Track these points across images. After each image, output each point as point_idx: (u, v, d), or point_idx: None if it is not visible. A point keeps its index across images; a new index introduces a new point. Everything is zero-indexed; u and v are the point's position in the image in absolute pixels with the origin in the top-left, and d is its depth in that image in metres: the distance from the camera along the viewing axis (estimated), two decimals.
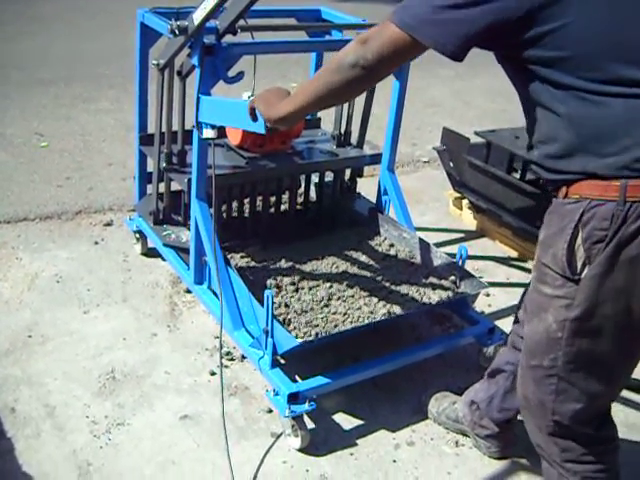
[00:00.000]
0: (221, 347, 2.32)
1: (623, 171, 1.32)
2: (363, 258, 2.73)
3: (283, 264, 2.62)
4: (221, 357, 2.31)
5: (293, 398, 2.05)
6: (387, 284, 2.54)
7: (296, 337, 2.13)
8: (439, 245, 3.09)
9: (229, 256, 2.55)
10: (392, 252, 2.78)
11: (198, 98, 2.17)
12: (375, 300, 2.42)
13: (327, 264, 2.66)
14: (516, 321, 1.93)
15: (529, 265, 3.19)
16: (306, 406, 2.06)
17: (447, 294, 2.49)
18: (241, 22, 2.19)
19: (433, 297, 2.47)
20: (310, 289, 2.47)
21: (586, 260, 1.36)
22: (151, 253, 3.00)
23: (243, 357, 2.42)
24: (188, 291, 2.76)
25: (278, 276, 2.52)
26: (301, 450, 2.08)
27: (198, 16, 2.10)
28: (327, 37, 2.79)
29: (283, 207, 2.91)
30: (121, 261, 2.98)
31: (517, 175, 3.24)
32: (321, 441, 2.13)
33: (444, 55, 1.35)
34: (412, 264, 2.70)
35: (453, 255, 2.59)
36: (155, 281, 2.86)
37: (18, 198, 3.45)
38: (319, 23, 2.88)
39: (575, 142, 1.36)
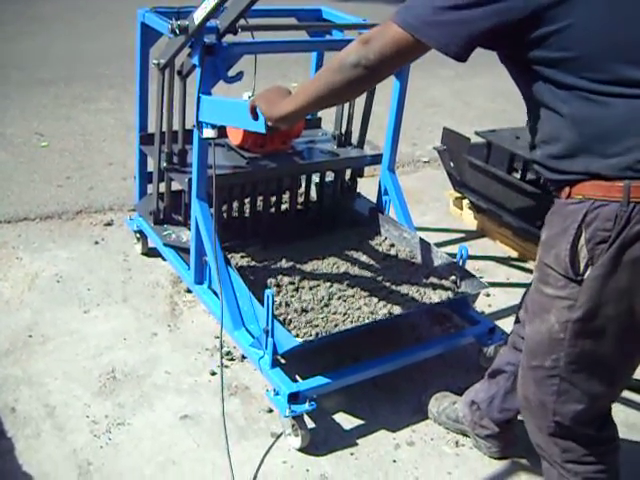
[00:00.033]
0: (221, 347, 2.32)
1: (626, 172, 1.31)
2: (363, 258, 2.73)
3: (283, 264, 2.62)
4: (221, 357, 2.31)
5: (293, 398, 2.05)
6: (387, 284, 2.54)
7: (296, 337, 2.13)
8: (439, 245, 3.09)
9: (229, 256, 2.55)
10: (392, 252, 2.78)
11: (198, 98, 2.17)
12: (375, 300, 2.42)
13: (327, 264, 2.66)
14: (517, 321, 1.93)
15: (529, 265, 3.19)
16: (306, 406, 2.06)
17: (447, 294, 2.49)
18: (242, 22, 2.19)
19: (433, 297, 2.47)
20: (310, 289, 2.47)
21: (589, 261, 1.36)
22: (151, 253, 3.00)
23: (243, 357, 2.42)
24: (188, 291, 2.76)
25: (278, 276, 2.52)
26: (301, 450, 2.08)
27: (198, 16, 2.10)
28: (328, 37, 2.79)
29: (284, 207, 2.91)
30: (121, 261, 2.98)
31: (517, 175, 3.24)
32: (321, 441, 2.13)
33: (447, 56, 1.35)
34: (412, 264, 2.70)
35: (453, 255, 2.59)
36: (155, 281, 2.86)
37: (18, 198, 3.45)
38: (320, 23, 2.88)
39: (578, 142, 1.35)
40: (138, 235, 2.99)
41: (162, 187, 2.73)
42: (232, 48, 2.23)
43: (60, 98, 4.86)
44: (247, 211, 2.76)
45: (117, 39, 6.04)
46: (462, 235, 3.47)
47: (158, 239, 2.75)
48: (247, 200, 2.74)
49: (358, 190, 3.06)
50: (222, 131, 2.56)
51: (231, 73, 2.22)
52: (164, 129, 2.61)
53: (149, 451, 2.04)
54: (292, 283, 2.48)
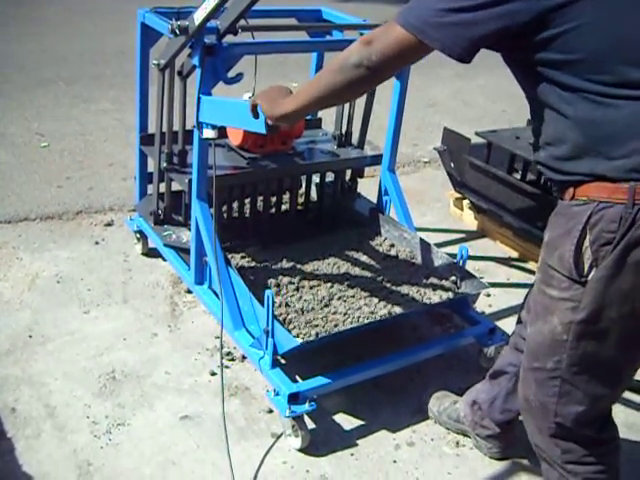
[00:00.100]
0: (222, 347, 2.32)
1: (631, 174, 1.31)
2: (364, 258, 2.73)
3: (284, 264, 2.62)
4: (221, 357, 2.31)
5: (293, 398, 2.05)
6: (388, 284, 2.54)
7: (296, 337, 2.13)
8: (440, 245, 3.09)
9: (230, 256, 2.55)
10: (393, 252, 2.78)
11: (199, 98, 2.17)
12: (376, 300, 2.42)
13: (328, 264, 2.66)
14: (519, 322, 1.93)
15: (530, 265, 3.19)
16: (306, 406, 2.06)
17: (448, 294, 2.49)
18: (242, 22, 2.19)
19: (434, 297, 2.47)
20: (311, 289, 2.47)
21: (593, 262, 1.36)
22: (152, 253, 3.00)
23: (244, 357, 2.42)
24: (189, 291, 2.76)
25: (279, 276, 2.51)
26: (301, 450, 2.08)
27: (199, 16, 2.10)
28: (328, 37, 2.79)
29: (284, 207, 2.91)
30: (122, 261, 2.98)
31: (518, 175, 3.24)
32: (321, 441, 2.13)
33: (451, 57, 1.35)
34: (413, 264, 2.70)
35: (454, 255, 2.59)
36: (156, 281, 2.86)
37: (19, 198, 3.45)
38: (320, 23, 2.88)
39: (583, 144, 1.35)
40: (138, 235, 2.99)
41: (162, 187, 2.73)
42: (232, 49, 2.23)
43: (61, 98, 4.86)
44: (247, 211, 2.76)
45: (118, 39, 6.04)
46: (462, 235, 3.47)
47: (158, 239, 2.75)
48: (247, 200, 2.74)
49: (358, 190, 3.06)
50: (222, 131, 2.56)
51: (231, 74, 2.22)
52: (164, 129, 2.61)
53: (149, 451, 2.04)
54: (292, 283, 2.48)
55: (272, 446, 2.10)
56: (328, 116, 2.84)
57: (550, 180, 1.48)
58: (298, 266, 2.62)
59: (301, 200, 2.98)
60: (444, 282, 2.56)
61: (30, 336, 2.48)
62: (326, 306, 2.38)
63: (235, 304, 2.31)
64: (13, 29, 6.41)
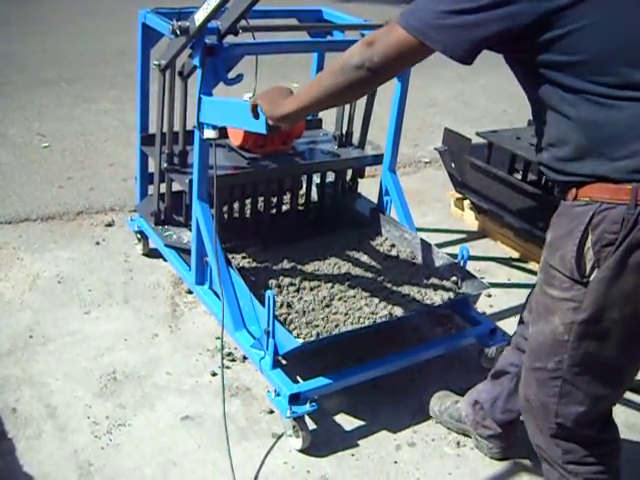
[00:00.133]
0: (222, 348, 2.32)
1: (634, 175, 1.31)
2: (364, 258, 2.73)
3: (284, 264, 2.62)
4: (222, 358, 2.30)
5: (294, 399, 2.05)
6: (388, 284, 2.53)
7: (297, 337, 2.13)
8: (440, 246, 3.09)
9: (230, 257, 2.55)
10: (393, 253, 2.78)
11: (199, 98, 2.17)
12: (376, 300, 2.42)
13: (328, 264, 2.66)
14: (521, 322, 1.93)
15: (531, 266, 3.19)
16: (307, 407, 2.06)
17: (448, 295, 2.49)
18: (242, 22, 2.19)
19: (434, 298, 2.46)
20: (311, 289, 2.47)
21: (595, 263, 1.36)
22: (152, 254, 3.00)
23: (244, 358, 2.42)
24: (189, 292, 2.76)
25: (279, 276, 2.51)
26: (302, 451, 2.08)
27: (199, 17, 2.10)
28: (329, 37, 2.79)
29: (284, 208, 2.91)
30: (122, 261, 2.98)
31: (519, 176, 3.24)
32: (322, 442, 2.13)
33: (452, 59, 1.34)
34: (413, 265, 2.70)
35: (455, 256, 2.59)
36: (156, 282, 2.86)
37: (19, 198, 3.45)
38: (320, 23, 2.88)
39: (586, 145, 1.35)
40: (139, 236, 2.99)
41: (163, 188, 2.74)
42: (233, 49, 2.23)
43: (62, 99, 4.86)
44: (248, 212, 2.76)
45: (118, 39, 6.04)
46: (463, 236, 3.47)
47: (159, 240, 2.75)
48: (248, 201, 2.74)
49: (359, 190, 3.06)
50: (223, 132, 2.56)
51: (232, 74, 2.22)
52: (165, 130, 2.61)
53: (150, 452, 2.04)
54: (293, 284, 2.48)
55: (273, 446, 2.10)
56: (329, 116, 2.84)
57: (553, 181, 1.48)
58: (299, 266, 2.62)
59: (302, 200, 2.98)
60: (445, 282, 2.56)
61: (31, 336, 2.48)
62: (327, 306, 2.38)
63: (236, 304, 2.31)
64: (15, 29, 6.42)
